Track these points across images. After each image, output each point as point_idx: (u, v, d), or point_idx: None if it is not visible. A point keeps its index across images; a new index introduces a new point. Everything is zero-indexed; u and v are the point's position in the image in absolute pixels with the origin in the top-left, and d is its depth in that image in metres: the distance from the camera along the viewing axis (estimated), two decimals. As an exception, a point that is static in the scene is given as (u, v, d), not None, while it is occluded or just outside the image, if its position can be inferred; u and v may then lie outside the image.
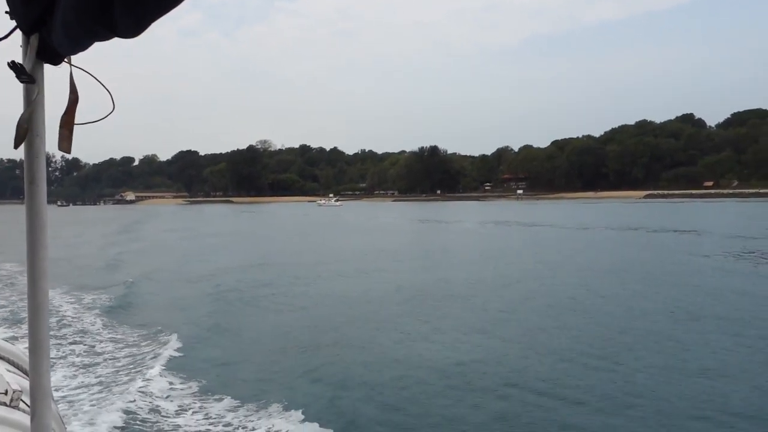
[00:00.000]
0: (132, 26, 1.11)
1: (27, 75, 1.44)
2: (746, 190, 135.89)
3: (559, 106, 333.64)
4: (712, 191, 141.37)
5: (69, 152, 1.55)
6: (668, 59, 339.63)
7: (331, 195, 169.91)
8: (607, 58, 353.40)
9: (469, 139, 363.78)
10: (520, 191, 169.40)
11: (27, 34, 1.41)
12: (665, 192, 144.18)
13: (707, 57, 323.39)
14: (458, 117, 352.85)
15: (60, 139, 1.55)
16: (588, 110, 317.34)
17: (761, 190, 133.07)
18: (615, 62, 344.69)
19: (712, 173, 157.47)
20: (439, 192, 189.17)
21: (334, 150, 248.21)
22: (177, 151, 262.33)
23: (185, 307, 19.13)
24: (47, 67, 1.48)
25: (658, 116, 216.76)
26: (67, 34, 1.28)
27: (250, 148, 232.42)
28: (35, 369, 1.52)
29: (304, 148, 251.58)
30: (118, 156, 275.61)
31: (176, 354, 12.90)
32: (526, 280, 23.55)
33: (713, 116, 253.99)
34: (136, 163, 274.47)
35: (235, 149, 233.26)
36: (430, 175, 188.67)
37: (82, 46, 1.35)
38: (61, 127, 1.53)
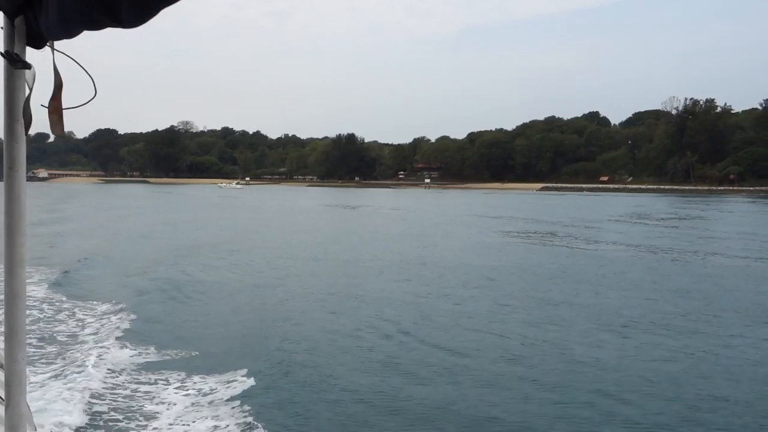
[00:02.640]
0: (138, 16, 1.07)
1: (22, 62, 1.41)
2: (631, 186, 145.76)
3: (481, 99, 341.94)
4: (601, 185, 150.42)
5: (63, 135, 1.60)
6: (586, 57, 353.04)
7: (240, 178, 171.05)
8: (531, 53, 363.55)
9: (394, 126, 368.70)
10: (427, 180, 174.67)
11: (11, 18, 1.37)
12: (559, 185, 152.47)
13: (621, 56, 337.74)
14: (385, 104, 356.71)
15: (52, 124, 1.54)
16: (508, 104, 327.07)
17: (644, 186, 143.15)
18: (538, 57, 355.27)
19: (608, 169, 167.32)
20: (357, 179, 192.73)
21: (257, 134, 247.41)
22: (95, 129, 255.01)
23: None
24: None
25: (570, 113, 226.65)
26: (62, 21, 1.24)
27: (170, 129, 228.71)
28: (11, 357, 1.48)
29: (227, 131, 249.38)
30: (32, 132, 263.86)
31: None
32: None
33: (619, 115, 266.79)
34: (51, 139, 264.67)
35: (157, 129, 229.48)
36: (347, 162, 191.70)
37: (74, 33, 1.32)
38: (50, 112, 1.52)
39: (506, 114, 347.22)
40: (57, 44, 1.49)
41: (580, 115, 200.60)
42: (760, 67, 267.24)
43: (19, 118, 1.50)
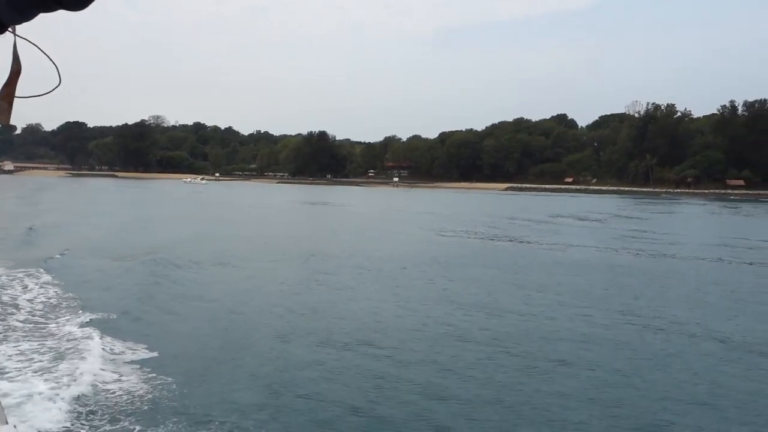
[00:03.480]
0: None
1: None
2: (592, 187, 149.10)
3: (455, 99, 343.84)
4: (564, 186, 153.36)
5: (8, 124, 1.52)
6: (557, 59, 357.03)
7: (210, 174, 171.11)
8: (507, 55, 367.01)
9: (369, 125, 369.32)
10: (396, 179, 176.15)
11: None
12: (523, 185, 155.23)
13: (592, 59, 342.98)
14: (360, 102, 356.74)
15: (0, 111, 1.50)
16: (482, 105, 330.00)
17: (604, 188, 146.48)
18: (513, 59, 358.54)
19: (573, 170, 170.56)
20: (329, 176, 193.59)
21: (229, 129, 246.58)
22: (64, 122, 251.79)
23: None
24: None
25: (539, 114, 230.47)
26: (12, 4, 1.23)
27: (140, 123, 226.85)
28: None
29: (199, 126, 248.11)
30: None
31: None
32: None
33: (587, 117, 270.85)
34: (19, 131, 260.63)
35: (127, 123, 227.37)
36: (318, 159, 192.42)
37: (27, 16, 1.29)
38: (0, 98, 1.48)
39: (479, 114, 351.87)
40: (20, 30, 1.46)
41: (548, 117, 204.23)
42: (725, 72, 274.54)
43: None
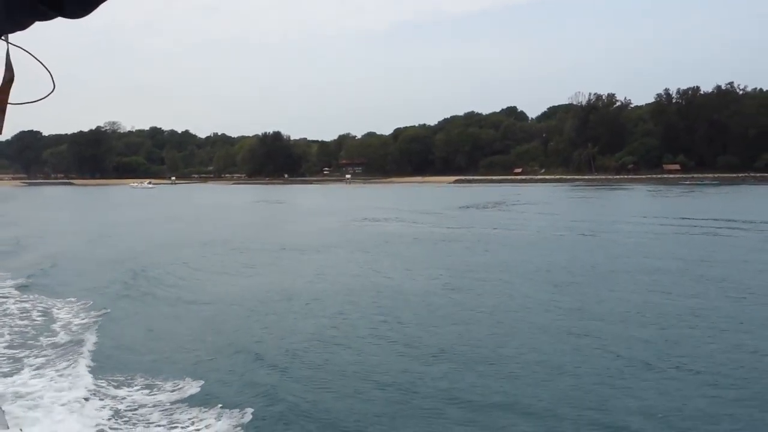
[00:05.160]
0: (81, 5, 1.07)
1: None
2: (536, 177, 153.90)
3: (411, 95, 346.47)
4: (511, 177, 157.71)
5: (0, 132, 1.53)
6: (506, 52, 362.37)
7: (166, 178, 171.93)
8: (458, 49, 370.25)
9: (326, 123, 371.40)
10: (348, 176, 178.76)
11: None
12: (470, 178, 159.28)
13: (540, 52, 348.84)
14: (316, 101, 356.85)
15: None
16: (437, 100, 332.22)
17: (547, 177, 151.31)
18: (465, 53, 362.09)
19: (522, 161, 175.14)
20: (286, 176, 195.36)
21: (186, 133, 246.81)
22: (18, 131, 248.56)
23: None
24: None
25: (491, 108, 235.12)
26: (9, 13, 1.22)
27: (95, 130, 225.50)
28: None
29: (155, 131, 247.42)
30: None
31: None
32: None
33: (537, 109, 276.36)
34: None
35: (81, 131, 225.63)
36: (274, 159, 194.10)
37: (22, 25, 1.29)
38: None
39: (435, 110, 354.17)
40: (13, 39, 1.43)
41: (498, 110, 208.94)
42: (667, 61, 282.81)
43: None
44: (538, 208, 57.87)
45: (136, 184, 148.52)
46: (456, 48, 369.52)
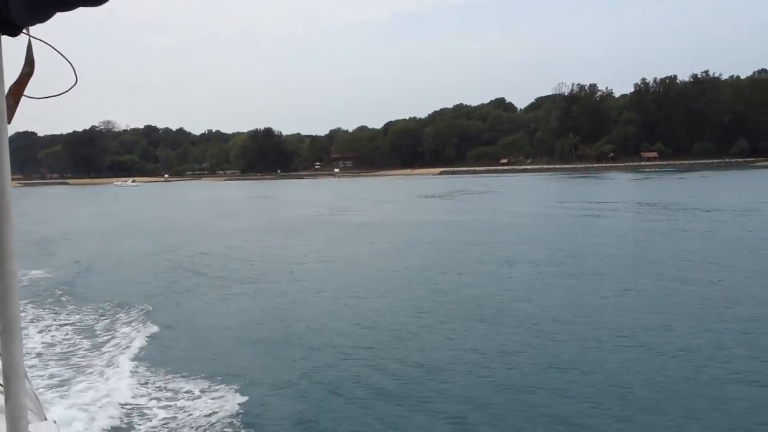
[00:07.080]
0: None
1: None
2: (519, 167, 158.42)
3: (402, 88, 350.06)
4: (496, 168, 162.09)
5: (10, 122, 1.50)
6: (498, 43, 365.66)
7: (160, 176, 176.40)
8: (455, 39, 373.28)
9: (319, 118, 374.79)
10: (336, 170, 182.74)
11: None
12: (456, 169, 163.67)
13: (531, 42, 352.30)
14: (311, 96, 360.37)
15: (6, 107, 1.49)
16: (427, 92, 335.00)
17: (530, 167, 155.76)
18: (458, 45, 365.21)
19: (508, 152, 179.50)
20: (279, 171, 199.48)
21: (180, 130, 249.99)
22: (13, 132, 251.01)
23: None
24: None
25: (479, 99, 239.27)
26: (30, 5, 1.21)
27: (91, 129, 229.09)
28: (7, 350, 1.47)
29: (150, 129, 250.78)
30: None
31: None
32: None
33: (525, 100, 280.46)
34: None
35: (76, 130, 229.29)
36: (266, 155, 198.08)
37: (46, 16, 1.27)
38: (7, 95, 1.46)
39: (425, 102, 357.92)
40: (34, 31, 1.44)
41: (487, 102, 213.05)
42: (649, 50, 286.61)
43: (1, 109, 1.45)
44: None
45: (120, 183, 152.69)
46: (455, 38, 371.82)
